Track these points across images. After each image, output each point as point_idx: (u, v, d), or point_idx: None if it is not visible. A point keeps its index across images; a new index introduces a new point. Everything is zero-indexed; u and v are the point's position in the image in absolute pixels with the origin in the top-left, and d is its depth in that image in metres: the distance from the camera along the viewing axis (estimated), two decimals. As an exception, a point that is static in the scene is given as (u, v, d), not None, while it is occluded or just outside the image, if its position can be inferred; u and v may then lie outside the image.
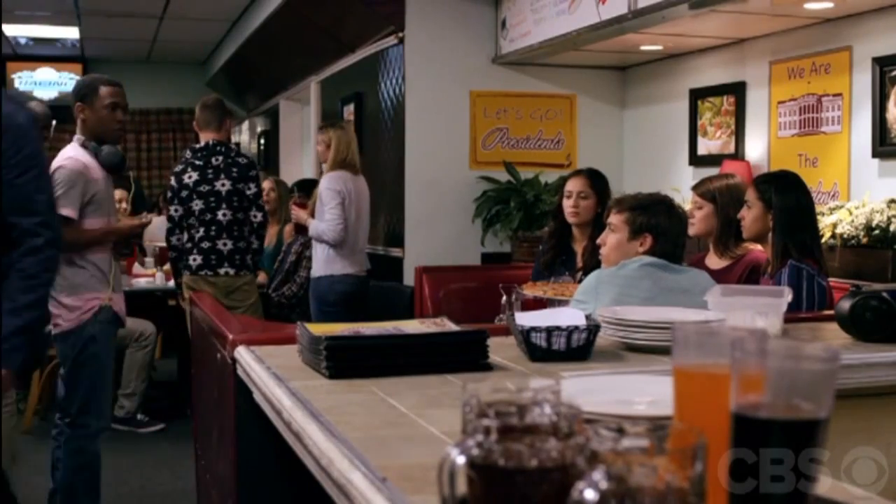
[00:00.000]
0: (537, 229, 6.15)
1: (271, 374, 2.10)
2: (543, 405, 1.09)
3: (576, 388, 1.52)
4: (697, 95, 6.07)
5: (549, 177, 6.52)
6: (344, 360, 2.05)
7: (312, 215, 5.80)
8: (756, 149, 5.57)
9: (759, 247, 4.09)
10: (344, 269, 5.69)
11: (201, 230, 5.43)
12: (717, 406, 1.07)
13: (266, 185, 6.78)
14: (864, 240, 4.36)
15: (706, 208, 4.18)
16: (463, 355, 2.16)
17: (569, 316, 2.48)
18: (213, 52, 11.82)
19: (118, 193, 7.38)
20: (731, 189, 4.23)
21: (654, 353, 2.39)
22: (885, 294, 2.62)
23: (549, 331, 2.28)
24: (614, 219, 3.39)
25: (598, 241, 3.49)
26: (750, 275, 4.02)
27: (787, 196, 3.69)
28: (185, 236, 5.48)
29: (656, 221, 3.38)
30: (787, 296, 2.70)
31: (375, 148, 7.10)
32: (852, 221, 4.39)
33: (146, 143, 12.85)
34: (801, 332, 2.78)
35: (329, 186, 5.66)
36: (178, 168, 5.58)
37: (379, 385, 1.96)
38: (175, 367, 6.92)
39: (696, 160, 6.08)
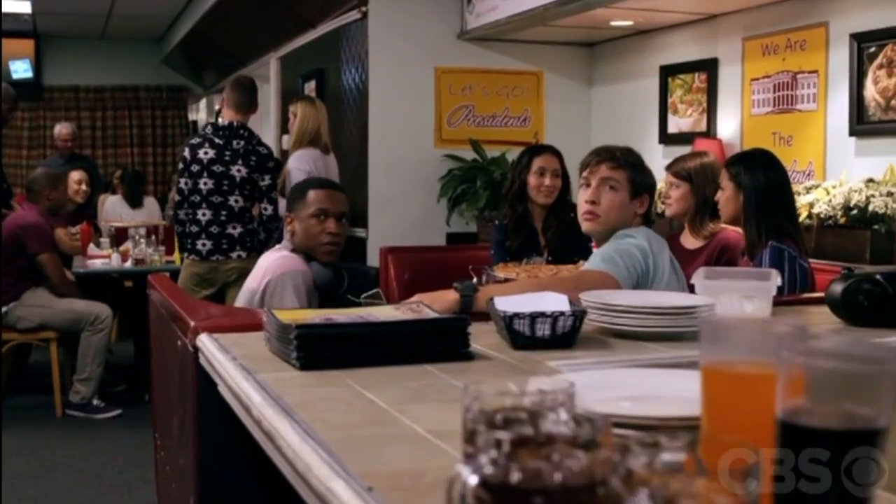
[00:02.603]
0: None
1: (237, 365, 1.96)
2: (559, 410, 0.96)
3: (578, 384, 1.39)
4: (668, 72, 5.97)
5: (516, 155, 6.37)
6: (316, 351, 1.91)
7: (282, 193, 5.62)
8: (728, 127, 5.48)
9: (731, 226, 3.99)
10: None
11: (209, 213, 5.30)
12: (757, 410, 0.94)
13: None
14: (842, 220, 4.27)
15: (682, 188, 4.07)
16: (442, 344, 2.02)
17: (552, 301, 2.35)
18: (169, 27, 11.58)
19: (77, 175, 7.20)
20: (705, 168, 4.13)
21: (641, 339, 2.27)
22: (878, 277, 2.51)
23: (534, 317, 2.15)
24: (616, 174, 3.02)
25: (588, 197, 3.03)
26: (720, 254, 3.93)
27: (756, 175, 3.54)
28: (192, 213, 5.33)
29: (653, 180, 3.23)
30: (776, 279, 2.60)
31: (338, 126, 6.93)
32: (830, 201, 4.30)
33: (101, 120, 12.59)
34: (788, 317, 2.67)
35: (298, 166, 5.51)
36: (195, 140, 5.43)
37: (354, 377, 1.82)
38: (132, 350, 6.73)
39: (666, 138, 5.97)
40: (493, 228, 4.67)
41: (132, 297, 6.34)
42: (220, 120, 5.47)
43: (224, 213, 5.28)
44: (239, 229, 5.31)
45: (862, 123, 4.55)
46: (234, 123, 5.38)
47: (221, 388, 2.02)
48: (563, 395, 1.01)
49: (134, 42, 12.42)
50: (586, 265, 3.00)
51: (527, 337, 2.15)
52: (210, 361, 2.14)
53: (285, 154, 7.59)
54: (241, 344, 2.19)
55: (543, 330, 2.16)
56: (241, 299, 3.52)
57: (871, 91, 4.50)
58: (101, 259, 6.79)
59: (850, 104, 4.60)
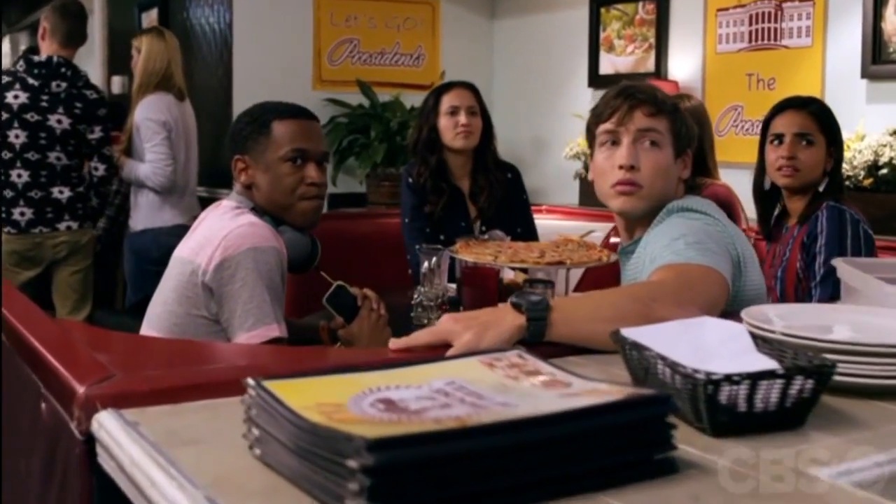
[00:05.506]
0: (402, 164, 5.01)
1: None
2: None
3: None
4: (601, 2, 5.08)
5: (413, 99, 5.39)
6: (407, 493, 0.87)
7: (127, 152, 4.58)
8: (685, 67, 4.66)
9: (719, 180, 3.33)
10: (174, 220, 4.61)
11: (26, 174, 4.33)
12: None
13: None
14: (867, 181, 3.46)
15: None
16: (629, 451, 1.01)
17: (718, 333, 1.36)
18: (-37, -48, 10.07)
19: None
20: (698, 112, 3.31)
21: (876, 394, 1.36)
22: None
23: (755, 379, 1.16)
24: (657, 124, 2.07)
25: (623, 161, 2.06)
26: None
27: (840, 133, 2.95)
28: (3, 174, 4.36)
29: (695, 130, 2.29)
30: None
31: (191, 68, 5.83)
32: (852, 159, 3.49)
33: None
34: None
35: (150, 117, 4.48)
36: (2, 80, 4.38)
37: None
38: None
39: (598, 81, 5.10)
40: (403, 189, 3.63)
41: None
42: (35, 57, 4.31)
43: (45, 173, 4.36)
44: (67, 193, 4.41)
45: (878, 63, 3.79)
46: (55, 59, 4.37)
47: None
48: None
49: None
50: (662, 252, 1.92)
51: (738, 414, 1.17)
52: (137, 485, 1.08)
53: (118, 100, 6.42)
54: (189, 437, 1.19)
55: (768, 400, 1.18)
56: (167, 285, 2.34)
57: (892, 23, 3.69)
58: None
59: (863, 39, 3.80)
